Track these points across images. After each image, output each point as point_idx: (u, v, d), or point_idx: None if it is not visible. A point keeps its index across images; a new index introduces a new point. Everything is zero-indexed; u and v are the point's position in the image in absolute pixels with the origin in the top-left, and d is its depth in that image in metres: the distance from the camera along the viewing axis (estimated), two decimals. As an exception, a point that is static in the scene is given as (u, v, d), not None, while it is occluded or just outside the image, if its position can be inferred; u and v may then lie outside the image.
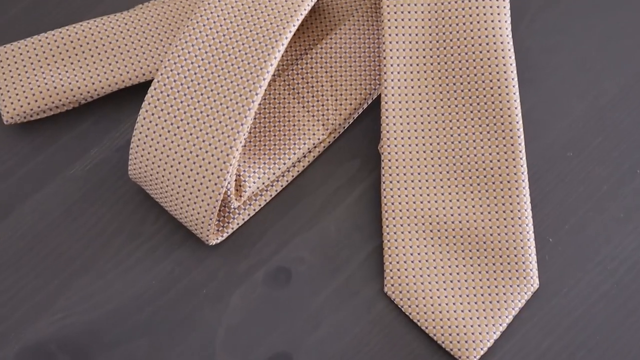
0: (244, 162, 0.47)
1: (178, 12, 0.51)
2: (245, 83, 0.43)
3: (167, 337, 0.45)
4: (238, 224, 0.47)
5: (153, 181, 0.45)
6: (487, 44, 0.47)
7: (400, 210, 0.46)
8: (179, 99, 0.43)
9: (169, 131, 0.43)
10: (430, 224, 0.46)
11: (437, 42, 0.47)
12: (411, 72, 0.47)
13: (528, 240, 0.45)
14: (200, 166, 0.42)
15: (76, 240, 0.47)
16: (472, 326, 0.44)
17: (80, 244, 0.47)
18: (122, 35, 0.49)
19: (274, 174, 0.47)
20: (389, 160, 0.47)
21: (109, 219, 0.48)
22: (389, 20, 0.47)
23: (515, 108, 0.46)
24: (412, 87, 0.47)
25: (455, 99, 0.47)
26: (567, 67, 0.51)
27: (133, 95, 0.50)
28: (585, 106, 0.50)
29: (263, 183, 0.47)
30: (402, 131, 0.47)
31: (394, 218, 0.46)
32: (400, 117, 0.47)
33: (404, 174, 0.47)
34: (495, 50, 0.46)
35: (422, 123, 0.47)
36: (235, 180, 0.46)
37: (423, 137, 0.47)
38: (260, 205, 0.48)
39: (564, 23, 0.52)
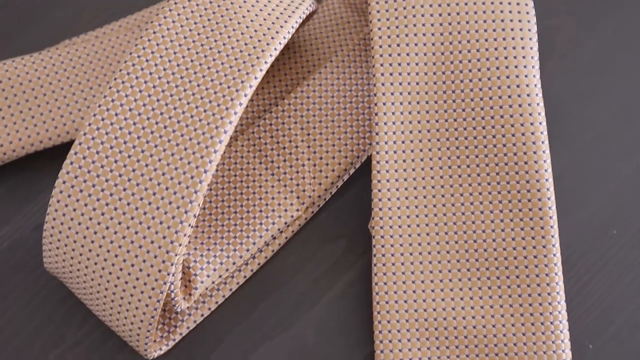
0: (195, 249, 0.37)
1: (113, 51, 0.40)
2: (196, 147, 0.33)
3: None
4: (188, 328, 0.38)
5: (73, 278, 0.35)
6: (509, 87, 0.37)
7: (397, 311, 0.37)
8: (107, 167, 0.34)
9: (93, 210, 0.34)
10: (436, 329, 0.36)
11: (444, 90, 0.37)
12: (410, 131, 0.37)
13: (562, 351, 0.36)
14: (136, 257, 0.33)
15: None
16: None
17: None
18: (40, 82, 0.40)
19: (234, 263, 0.37)
20: (382, 245, 0.37)
21: (24, 318, 0.39)
22: (382, 63, 0.37)
23: (545, 172, 0.37)
24: (412, 151, 0.37)
25: (467, 165, 0.37)
26: (606, 118, 0.42)
27: (55, 158, 0.41)
28: (631, 169, 0.40)
29: (220, 276, 0.37)
30: (399, 207, 0.37)
31: (388, 321, 0.37)
32: (397, 188, 0.37)
33: (402, 263, 0.37)
34: (520, 96, 0.37)
35: (424, 197, 0.37)
36: (183, 273, 0.36)
37: (426, 215, 0.37)
38: (216, 302, 0.39)
39: (601, 61, 0.43)
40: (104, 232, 0.33)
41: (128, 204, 0.33)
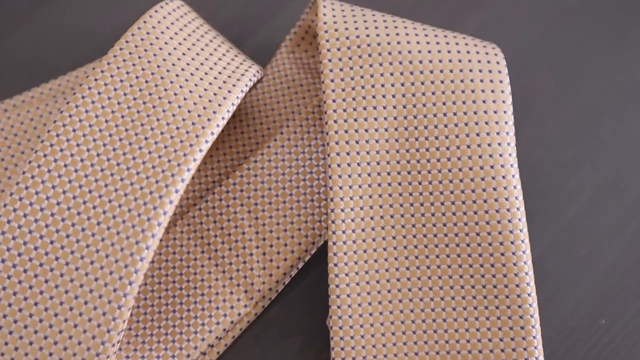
0: (127, 357, 0.32)
1: (32, 125, 0.35)
2: (128, 236, 0.29)
3: None
4: None
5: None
6: (482, 165, 0.32)
7: (360, 422, 0.31)
8: (25, 256, 0.29)
9: (17, 311, 0.29)
10: None
11: (408, 170, 0.32)
12: (372, 217, 0.32)
13: None
14: None
15: None
16: None
17: None
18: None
19: (171, 372, 0.32)
20: (342, 348, 0.32)
21: None
22: (337, 141, 0.32)
23: (524, 260, 0.32)
24: (374, 240, 0.32)
25: (437, 255, 0.32)
26: (592, 191, 0.37)
27: None
28: (620, 248, 0.36)
29: None
30: (359, 304, 0.32)
31: None
32: (357, 282, 0.32)
33: (365, 365, 0.32)
34: (494, 178, 0.32)
35: (388, 291, 0.32)
36: None
37: (391, 312, 0.32)
38: None
39: (585, 126, 0.37)
40: (30, 338, 0.28)
41: (51, 297, 0.28)
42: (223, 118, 0.31)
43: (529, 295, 0.32)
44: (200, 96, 0.31)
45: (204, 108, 0.31)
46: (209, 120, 0.30)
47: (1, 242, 0.28)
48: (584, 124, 0.38)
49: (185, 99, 0.31)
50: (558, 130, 0.37)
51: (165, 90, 0.31)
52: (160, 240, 0.34)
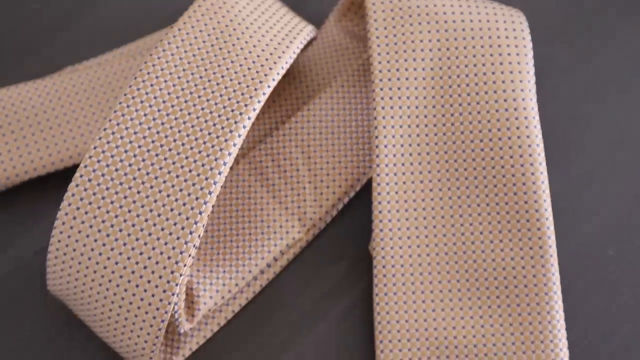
0: (198, 270, 0.37)
1: (115, 77, 0.41)
2: (200, 168, 0.33)
3: None
4: (191, 349, 0.38)
5: (77, 300, 0.35)
6: (507, 110, 0.37)
7: (399, 331, 0.36)
8: (112, 190, 0.33)
9: (98, 232, 0.33)
10: (437, 348, 0.36)
11: (443, 114, 0.38)
12: (410, 154, 0.37)
13: None
14: (140, 278, 0.33)
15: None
16: None
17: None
18: (43, 108, 0.40)
19: (236, 285, 0.37)
20: (383, 266, 0.37)
21: (26, 342, 0.38)
22: (382, 87, 0.37)
23: (543, 192, 0.37)
24: (412, 173, 0.37)
25: (467, 186, 0.37)
26: (603, 144, 0.42)
27: (59, 182, 0.40)
28: (629, 193, 0.41)
29: (222, 297, 0.37)
30: (399, 228, 0.37)
31: (390, 341, 0.37)
32: (397, 210, 0.37)
33: (403, 284, 0.37)
34: (517, 119, 0.37)
35: (424, 218, 0.37)
36: (187, 294, 0.36)
37: (426, 236, 0.37)
38: (219, 324, 0.38)
39: (597, 87, 0.43)
40: (109, 254, 0.33)
41: (133, 225, 0.33)
42: (282, 68, 0.36)
43: (547, 227, 0.37)
44: (262, 50, 0.36)
45: (266, 59, 0.36)
46: (270, 68, 0.35)
47: (106, 150, 0.34)
48: (598, 84, 0.43)
49: (249, 53, 0.36)
50: (573, 90, 0.43)
51: (233, 45, 0.36)
52: (226, 177, 0.39)
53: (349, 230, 0.40)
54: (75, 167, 0.40)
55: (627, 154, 0.41)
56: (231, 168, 0.40)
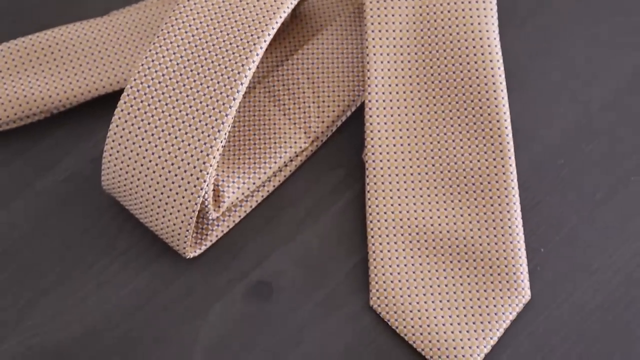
0: (223, 171, 0.45)
1: (154, 18, 0.49)
2: (222, 89, 0.41)
3: (142, 356, 0.42)
4: (217, 236, 0.45)
5: (127, 192, 0.43)
6: (474, 47, 0.45)
7: (386, 221, 0.45)
8: (153, 105, 0.41)
9: (142, 139, 0.41)
10: (417, 234, 0.44)
11: (422, 45, 0.46)
12: (395, 77, 0.46)
13: (519, 250, 0.44)
14: (176, 175, 0.41)
15: (46, 256, 0.45)
16: (461, 340, 0.42)
17: (51, 260, 0.45)
18: (95, 42, 0.48)
19: (254, 183, 0.45)
20: (374, 169, 0.45)
21: (82, 233, 0.46)
22: (372, 24, 0.46)
23: (504, 113, 0.45)
24: (397, 93, 0.46)
25: (442, 104, 0.46)
26: (556, 72, 0.50)
27: (108, 104, 0.48)
28: (576, 112, 0.49)
29: (242, 193, 0.45)
30: (386, 138, 0.45)
31: (379, 229, 0.45)
32: (385, 123, 0.45)
33: (389, 183, 0.45)
34: (483, 54, 0.45)
35: (407, 130, 0.46)
36: (214, 190, 0.44)
37: (409, 145, 0.45)
38: (240, 216, 0.46)
39: (554, 27, 0.51)
40: (154, 149, 0.41)
41: (173, 127, 0.42)
42: (288, 8, 0.43)
43: (507, 137, 0.45)
44: None
45: (275, 0, 0.44)
46: (278, 8, 0.43)
47: (150, 68, 0.42)
48: (554, 26, 0.51)
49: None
50: (534, 29, 0.51)
51: None
52: (244, 98, 0.48)
53: (346, 143, 0.48)
54: (119, 92, 0.48)
55: (576, 83, 0.50)
56: (249, 92, 0.48)
